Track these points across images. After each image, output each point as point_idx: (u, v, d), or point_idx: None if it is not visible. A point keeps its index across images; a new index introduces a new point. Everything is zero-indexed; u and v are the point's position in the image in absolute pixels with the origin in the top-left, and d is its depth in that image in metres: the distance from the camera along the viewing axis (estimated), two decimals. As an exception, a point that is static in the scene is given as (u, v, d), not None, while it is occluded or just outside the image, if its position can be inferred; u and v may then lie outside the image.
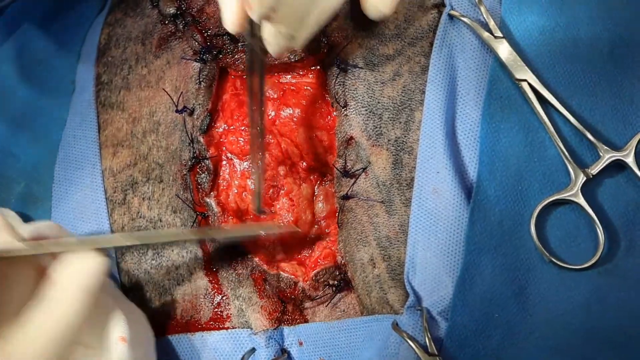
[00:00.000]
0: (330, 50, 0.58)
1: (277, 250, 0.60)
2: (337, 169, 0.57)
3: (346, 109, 0.57)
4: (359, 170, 0.56)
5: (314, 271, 0.58)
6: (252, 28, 0.52)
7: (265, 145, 0.60)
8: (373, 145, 0.56)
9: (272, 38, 0.52)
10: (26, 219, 0.63)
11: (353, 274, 0.56)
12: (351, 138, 0.57)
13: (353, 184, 0.56)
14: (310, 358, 0.56)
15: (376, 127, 0.56)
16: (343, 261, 0.57)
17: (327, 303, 0.57)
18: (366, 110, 0.57)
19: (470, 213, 0.52)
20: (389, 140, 0.56)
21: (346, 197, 0.56)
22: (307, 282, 0.58)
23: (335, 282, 0.57)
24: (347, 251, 0.56)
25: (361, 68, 0.57)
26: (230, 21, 0.51)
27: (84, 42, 0.69)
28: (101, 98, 0.65)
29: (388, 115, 0.56)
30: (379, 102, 0.56)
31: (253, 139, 0.57)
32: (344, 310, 0.56)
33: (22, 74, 0.68)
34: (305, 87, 0.60)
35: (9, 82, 0.68)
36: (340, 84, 0.57)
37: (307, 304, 0.57)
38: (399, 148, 0.55)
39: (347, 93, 0.57)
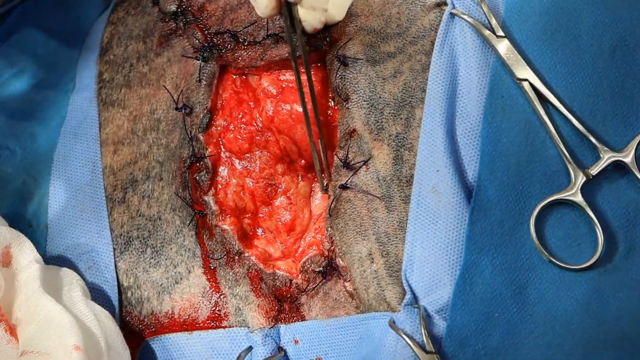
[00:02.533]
0: (331, 47, 0.58)
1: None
2: (338, 158, 0.57)
3: (348, 103, 0.57)
4: (360, 162, 0.56)
5: (301, 261, 0.58)
6: (290, 10, 0.53)
7: (264, 143, 0.60)
8: (375, 139, 0.56)
9: (307, 16, 0.54)
10: (22, 216, 0.63)
11: (350, 266, 0.56)
12: (354, 130, 0.57)
13: (353, 174, 0.56)
14: (306, 356, 0.56)
15: (377, 121, 0.56)
16: (331, 247, 0.57)
17: (317, 292, 0.57)
18: (367, 104, 0.57)
19: (471, 212, 0.51)
20: (389, 136, 0.56)
21: (344, 187, 0.56)
22: (299, 276, 0.58)
23: (321, 269, 0.57)
24: (344, 241, 0.56)
25: (362, 60, 0.57)
26: (265, 6, 0.53)
27: (85, 40, 0.69)
28: (102, 96, 0.65)
29: (389, 111, 0.56)
30: (380, 97, 0.56)
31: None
32: (335, 299, 0.56)
33: (22, 69, 0.68)
34: (304, 84, 0.60)
35: (7, 77, 0.68)
36: (341, 78, 0.57)
37: (303, 299, 0.57)
38: (399, 144, 0.55)
39: (348, 86, 0.57)
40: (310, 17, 0.55)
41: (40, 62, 0.69)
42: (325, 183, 0.59)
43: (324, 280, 0.57)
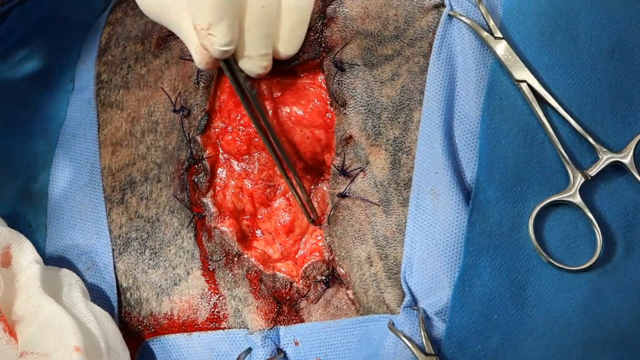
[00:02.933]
0: (328, 52, 0.58)
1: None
2: (335, 166, 0.57)
3: (345, 108, 0.57)
4: (356, 169, 0.56)
5: (303, 267, 0.58)
6: (227, 62, 0.54)
7: (262, 145, 0.60)
8: (372, 145, 0.56)
9: (245, 65, 0.55)
10: (22, 216, 0.63)
11: (349, 271, 0.56)
12: (350, 137, 0.57)
13: (350, 182, 0.56)
14: (306, 358, 0.56)
15: (375, 127, 0.56)
16: (331, 256, 0.57)
17: (319, 299, 0.57)
18: (365, 109, 0.57)
19: (469, 214, 0.51)
20: (387, 140, 0.56)
21: (342, 196, 0.56)
22: (300, 280, 0.58)
23: (323, 278, 0.57)
24: (342, 247, 0.56)
25: (359, 66, 0.57)
26: (199, 62, 0.54)
27: (84, 41, 0.69)
28: (101, 97, 0.65)
29: (387, 115, 0.56)
30: (377, 102, 0.56)
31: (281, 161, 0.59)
32: (337, 307, 0.56)
33: (21, 70, 0.68)
34: (303, 87, 0.60)
35: (7, 77, 0.68)
36: (338, 83, 0.57)
37: (303, 304, 0.57)
38: (397, 148, 0.55)
39: (345, 92, 0.57)
40: (248, 65, 0.55)
41: (39, 62, 0.69)
42: (309, 214, 0.60)
43: (325, 288, 0.57)
